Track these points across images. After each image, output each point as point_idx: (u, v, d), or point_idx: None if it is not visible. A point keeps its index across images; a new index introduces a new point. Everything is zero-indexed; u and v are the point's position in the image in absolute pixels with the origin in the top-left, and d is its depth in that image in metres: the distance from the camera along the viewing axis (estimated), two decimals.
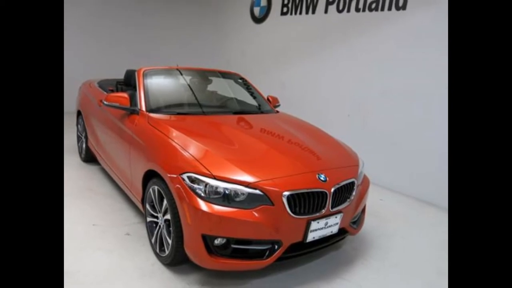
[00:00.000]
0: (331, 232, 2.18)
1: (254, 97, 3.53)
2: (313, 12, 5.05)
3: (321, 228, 2.10)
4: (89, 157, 3.97)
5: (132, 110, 2.75)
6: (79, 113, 4.14)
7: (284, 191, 1.96)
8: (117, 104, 2.74)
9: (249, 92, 3.59)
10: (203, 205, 1.89)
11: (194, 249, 1.99)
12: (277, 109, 3.53)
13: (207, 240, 1.93)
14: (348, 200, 2.25)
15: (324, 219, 2.09)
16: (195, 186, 1.94)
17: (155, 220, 2.32)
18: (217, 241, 1.95)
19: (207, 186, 1.92)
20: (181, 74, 3.33)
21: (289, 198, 1.96)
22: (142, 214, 2.68)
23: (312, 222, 2.04)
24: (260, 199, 1.93)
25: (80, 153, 4.22)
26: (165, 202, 2.14)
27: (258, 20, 6.11)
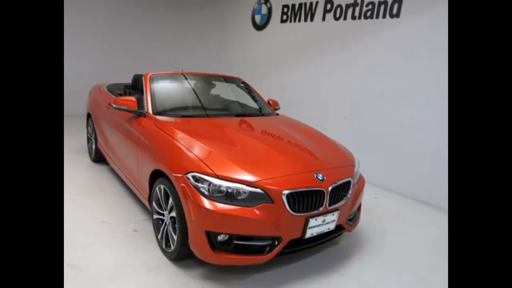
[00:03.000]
0: (329, 228, 2.25)
1: (255, 100, 3.59)
2: (311, 20, 5.15)
3: (319, 225, 2.17)
4: (98, 158, 4.06)
5: (139, 112, 2.83)
6: (89, 116, 4.22)
7: (284, 190, 2.02)
8: (125, 107, 2.82)
9: (250, 95, 3.65)
10: (207, 203, 1.95)
11: (198, 245, 2.05)
12: (277, 111, 3.59)
13: (210, 236, 1.99)
14: (344, 198, 2.32)
15: (321, 216, 2.16)
16: (199, 185, 2.00)
17: (161, 217, 2.39)
18: (220, 237, 2.01)
19: (211, 185, 1.98)
20: (186, 79, 3.40)
21: (288, 196, 2.03)
22: (149, 212, 2.74)
23: (310, 219, 2.10)
24: (261, 198, 2.00)
25: (90, 153, 4.31)
26: (170, 200, 2.20)
27: (259, 27, 6.22)
